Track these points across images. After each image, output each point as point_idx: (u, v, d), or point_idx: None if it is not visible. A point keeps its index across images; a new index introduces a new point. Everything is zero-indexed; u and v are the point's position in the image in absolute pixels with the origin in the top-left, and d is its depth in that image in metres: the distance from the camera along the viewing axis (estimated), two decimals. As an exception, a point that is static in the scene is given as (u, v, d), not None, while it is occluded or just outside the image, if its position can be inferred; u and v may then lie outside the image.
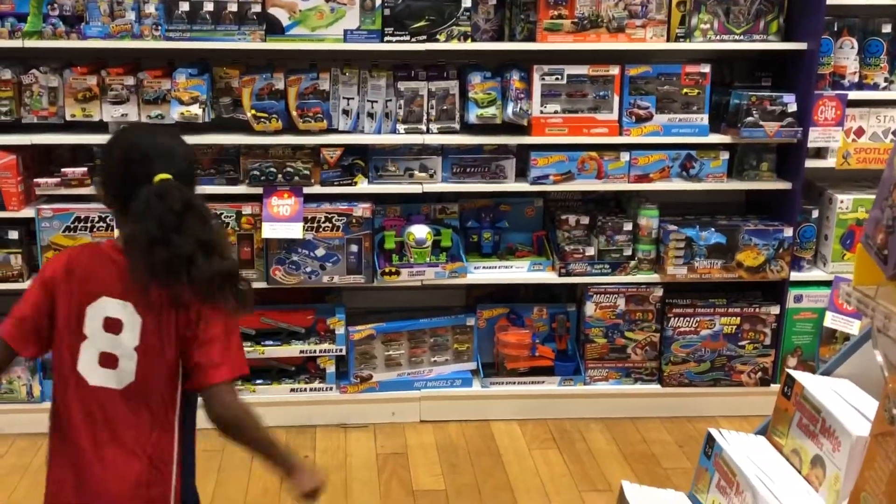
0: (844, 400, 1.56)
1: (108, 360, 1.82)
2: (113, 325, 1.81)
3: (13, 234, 3.53)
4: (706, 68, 3.61)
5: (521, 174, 3.68)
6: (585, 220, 3.76)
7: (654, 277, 3.75)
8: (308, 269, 3.62)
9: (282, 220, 3.51)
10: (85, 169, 3.52)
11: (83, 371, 1.83)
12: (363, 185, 3.63)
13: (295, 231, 3.52)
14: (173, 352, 1.84)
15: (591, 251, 3.72)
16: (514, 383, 3.80)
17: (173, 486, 1.90)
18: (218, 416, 1.83)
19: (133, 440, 1.84)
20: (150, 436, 1.86)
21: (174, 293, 1.78)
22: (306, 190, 3.56)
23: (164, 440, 1.88)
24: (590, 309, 3.76)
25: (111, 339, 1.81)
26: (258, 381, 3.71)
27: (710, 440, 1.71)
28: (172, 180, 1.80)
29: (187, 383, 1.88)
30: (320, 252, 3.61)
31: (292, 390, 3.72)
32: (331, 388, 3.73)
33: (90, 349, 1.82)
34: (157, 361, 1.83)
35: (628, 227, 3.72)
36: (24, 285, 3.56)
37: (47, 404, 3.80)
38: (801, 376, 1.64)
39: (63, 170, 3.51)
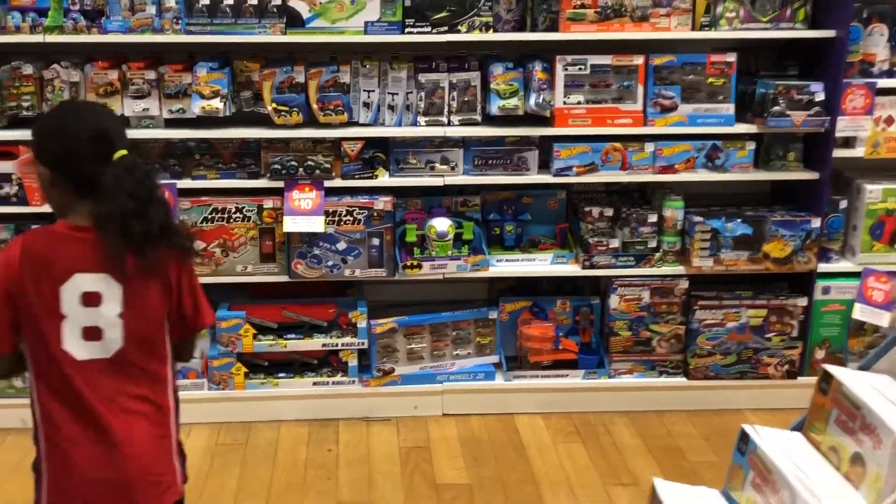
0: (884, 396, 1.52)
1: (92, 334, 1.85)
2: (92, 299, 1.84)
3: (36, 230, 3.53)
4: (732, 57, 3.56)
5: (544, 166, 3.64)
6: (609, 212, 3.72)
7: (680, 269, 3.70)
8: (329, 263, 3.61)
9: (303, 214, 3.49)
10: (106, 164, 3.51)
11: (70, 349, 1.85)
12: (384, 178, 3.61)
13: (316, 224, 3.50)
14: (160, 311, 1.92)
15: (615, 243, 3.68)
16: (538, 377, 3.77)
17: (174, 435, 1.99)
18: (184, 358, 2.09)
19: (133, 402, 1.90)
20: (147, 393, 1.92)
21: (149, 261, 1.84)
22: (327, 183, 3.54)
23: (160, 394, 1.95)
24: (614, 302, 3.72)
25: (91, 313, 1.84)
26: (281, 375, 3.70)
27: (745, 437, 1.67)
28: (129, 154, 1.86)
29: (179, 331, 1.98)
30: (342, 246, 3.59)
31: (315, 384, 3.71)
32: (353, 382, 3.72)
33: (72, 327, 1.84)
34: (143, 324, 1.89)
35: (653, 218, 3.67)
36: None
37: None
38: (839, 371, 1.60)
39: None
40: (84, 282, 1.83)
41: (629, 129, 3.57)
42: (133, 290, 1.86)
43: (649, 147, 3.58)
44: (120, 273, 1.83)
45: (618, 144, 3.58)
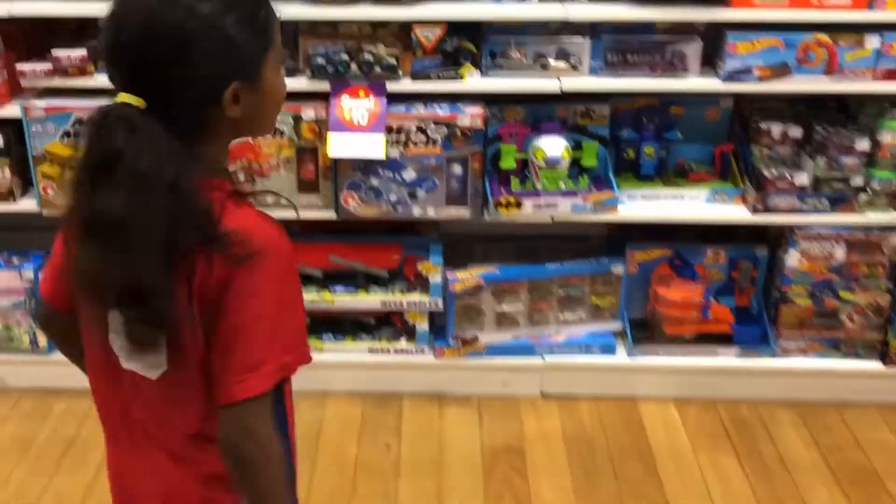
0: None
1: None
2: None
3: (-2, 140, 2.64)
4: None
5: (708, 63, 2.56)
6: (797, 132, 2.62)
7: (893, 218, 2.61)
8: (392, 198, 2.61)
9: (356, 131, 2.51)
10: (84, 52, 2.53)
11: None
12: (473, 80, 2.56)
13: (375, 147, 2.50)
14: None
15: (802, 178, 2.59)
16: (675, 354, 2.79)
17: None
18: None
19: None
20: None
21: None
22: (391, 86, 2.54)
23: None
24: (793, 259, 2.67)
25: None
26: (327, 336, 2.84)
27: None
28: None
29: None
30: (409, 174, 2.60)
31: (371, 350, 2.83)
32: (422, 351, 2.80)
33: None
34: None
35: (863, 144, 2.55)
36: (17, 206, 2.74)
37: (55, 356, 2.88)
38: None
39: (55, 53, 2.52)
40: None
41: (843, 14, 2.44)
42: None
43: (872, 41, 2.45)
44: None
45: (824, 36, 2.45)
